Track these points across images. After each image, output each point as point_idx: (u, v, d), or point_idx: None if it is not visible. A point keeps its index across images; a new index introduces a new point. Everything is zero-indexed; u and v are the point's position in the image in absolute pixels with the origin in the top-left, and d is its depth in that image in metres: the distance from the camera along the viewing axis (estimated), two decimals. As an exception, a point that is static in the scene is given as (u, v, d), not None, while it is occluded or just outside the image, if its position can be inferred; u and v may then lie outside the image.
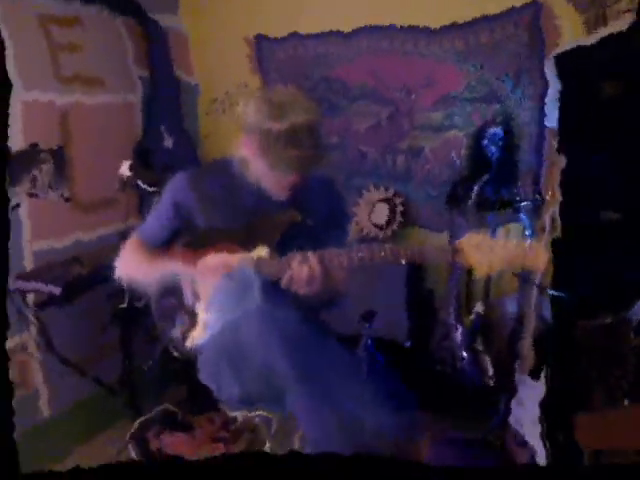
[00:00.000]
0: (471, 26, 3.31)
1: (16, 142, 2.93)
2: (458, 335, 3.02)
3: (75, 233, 3.25)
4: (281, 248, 2.02)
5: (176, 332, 2.09)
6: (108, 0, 3.44)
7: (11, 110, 2.61)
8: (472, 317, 3.03)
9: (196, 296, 2.10)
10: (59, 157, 3.17)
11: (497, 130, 3.21)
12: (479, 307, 3.03)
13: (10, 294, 2.69)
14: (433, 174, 3.52)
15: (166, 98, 3.77)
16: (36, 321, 2.84)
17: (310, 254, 1.89)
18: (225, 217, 2.09)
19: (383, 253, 1.85)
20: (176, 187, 2.14)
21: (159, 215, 2.18)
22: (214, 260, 2.02)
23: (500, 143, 3.20)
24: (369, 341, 2.88)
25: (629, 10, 2.81)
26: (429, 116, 3.49)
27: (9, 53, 2.82)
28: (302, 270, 1.88)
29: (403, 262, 1.84)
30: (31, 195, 3.02)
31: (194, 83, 4.00)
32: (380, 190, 3.57)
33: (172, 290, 2.15)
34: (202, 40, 3.96)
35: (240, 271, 1.96)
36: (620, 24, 2.75)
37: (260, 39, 3.81)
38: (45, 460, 2.65)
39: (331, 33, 3.63)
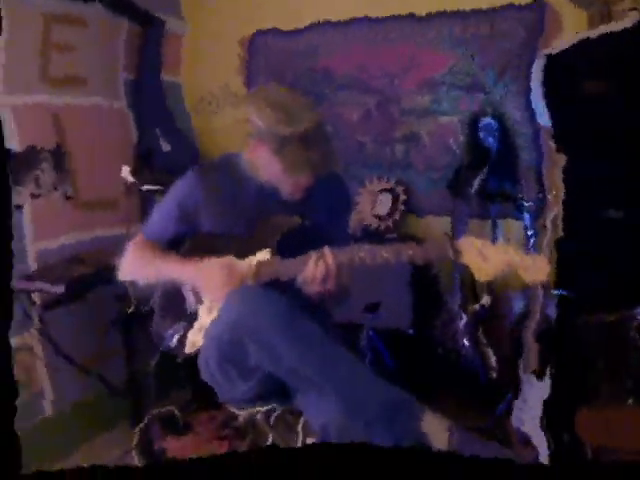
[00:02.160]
0: (474, 15, 3.36)
1: (12, 143, 2.94)
2: (462, 323, 3.02)
3: (77, 232, 3.26)
4: (280, 249, 2.04)
5: (174, 340, 2.08)
6: (111, 2, 3.46)
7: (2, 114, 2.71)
8: (477, 307, 3.03)
9: (198, 299, 2.11)
10: (58, 156, 3.19)
11: (491, 121, 3.24)
12: (485, 299, 3.03)
13: (15, 294, 2.70)
14: (433, 159, 3.54)
15: (153, 100, 3.78)
16: (39, 322, 2.85)
17: (326, 251, 1.91)
18: (229, 216, 2.10)
19: (385, 254, 1.86)
20: (185, 187, 2.15)
21: (164, 216, 2.18)
22: (216, 262, 2.03)
23: (496, 134, 3.22)
24: (371, 332, 2.89)
25: (634, 8, 2.80)
26: (416, 100, 3.53)
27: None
28: (318, 268, 1.90)
29: (405, 261, 1.85)
30: (34, 196, 3.03)
31: (177, 82, 4.03)
32: (382, 181, 3.59)
33: (173, 293, 2.15)
34: (193, 40, 4.01)
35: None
36: (625, 22, 2.72)
37: (254, 36, 3.87)
38: (47, 459, 2.65)
39: (318, 25, 3.70)
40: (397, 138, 3.61)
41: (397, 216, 3.48)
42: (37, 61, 3.14)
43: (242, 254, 2.06)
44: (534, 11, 3.23)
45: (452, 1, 3.41)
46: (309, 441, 1.93)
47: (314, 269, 1.91)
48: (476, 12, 3.36)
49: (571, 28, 3.12)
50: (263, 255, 2.04)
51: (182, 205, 2.13)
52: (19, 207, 2.95)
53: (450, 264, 2.98)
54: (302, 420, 1.97)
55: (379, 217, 3.50)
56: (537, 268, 1.69)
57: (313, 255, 1.92)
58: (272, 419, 1.99)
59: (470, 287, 3.05)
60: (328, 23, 3.68)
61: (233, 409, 2.04)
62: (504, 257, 1.71)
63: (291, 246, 2.02)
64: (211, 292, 2.04)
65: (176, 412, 2.08)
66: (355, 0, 3.64)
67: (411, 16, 3.50)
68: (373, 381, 1.82)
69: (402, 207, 3.50)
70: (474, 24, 3.37)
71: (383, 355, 3.03)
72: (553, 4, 3.18)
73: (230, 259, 2.04)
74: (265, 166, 2.01)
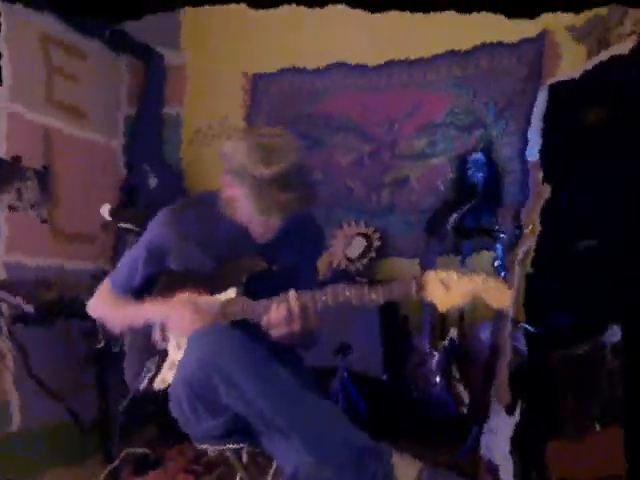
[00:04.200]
0: (471, 53, 3.42)
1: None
2: (433, 362, 3.02)
3: (49, 258, 3.30)
4: (248, 290, 2.05)
5: (145, 382, 2.09)
6: (111, 39, 3.55)
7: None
8: (445, 343, 3.03)
9: (164, 336, 2.12)
10: (44, 177, 3.24)
11: (479, 156, 3.29)
12: (453, 332, 3.04)
13: None
14: (417, 203, 3.57)
15: (149, 134, 3.83)
16: (8, 333, 2.87)
17: (291, 294, 1.90)
18: (197, 255, 2.10)
19: (348, 293, 1.86)
20: (153, 226, 2.16)
21: (133, 262, 2.18)
22: (182, 299, 2.04)
23: (484, 168, 3.26)
24: (345, 374, 2.90)
25: (634, 32, 2.81)
26: (412, 144, 3.57)
27: (5, 64, 2.97)
28: (281, 311, 1.90)
29: (368, 302, 1.85)
30: (11, 208, 3.07)
31: (175, 112, 4.06)
32: (360, 225, 3.64)
33: (142, 332, 2.16)
34: (195, 72, 4.06)
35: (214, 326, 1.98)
36: (622, 47, 2.73)
37: (256, 75, 3.93)
38: (13, 474, 2.68)
39: (324, 68, 3.76)
40: (386, 183, 3.66)
41: (367, 260, 3.54)
42: (43, 80, 3.24)
43: (209, 290, 2.07)
44: (533, 45, 3.27)
45: (450, 41, 3.46)
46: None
47: (277, 312, 1.91)
48: (476, 49, 3.42)
49: (570, 61, 3.16)
50: (229, 294, 2.05)
51: (150, 246, 2.14)
52: None
53: (419, 305, 3.00)
54: (274, 465, 1.97)
55: (350, 259, 3.56)
56: (500, 291, 1.70)
57: (276, 299, 1.92)
58: (244, 458, 2.00)
59: (440, 325, 3.06)
60: (334, 66, 3.74)
61: (202, 446, 2.04)
62: (467, 285, 1.72)
63: (259, 287, 2.03)
64: (179, 328, 2.04)
65: (147, 451, 2.09)
66: (358, 45, 3.71)
67: (412, 60, 3.57)
68: (343, 429, 1.82)
69: (373, 253, 3.55)
70: (474, 60, 3.43)
71: (356, 399, 3.03)
72: (553, 37, 3.23)
73: (195, 296, 2.05)
74: (238, 204, 2.01)
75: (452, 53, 3.47)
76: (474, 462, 2.58)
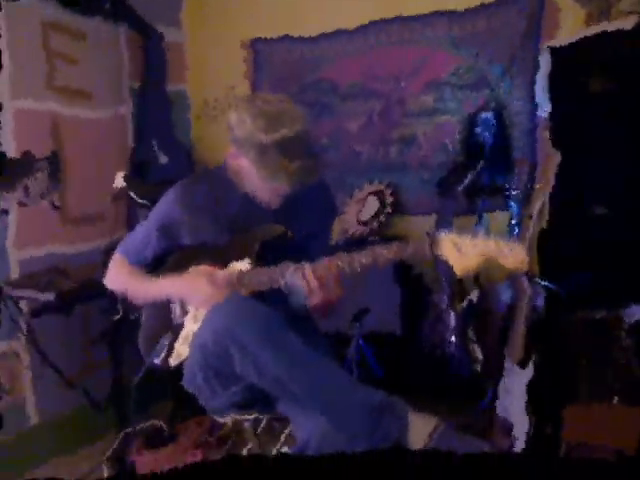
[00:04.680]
0: (468, 13, 3.38)
1: (8, 149, 3.00)
2: (451, 320, 3.02)
3: (61, 244, 3.29)
4: (261, 258, 2.05)
5: (161, 356, 2.09)
6: (112, 11, 3.51)
7: (2, 117, 2.78)
8: (464, 304, 3.03)
9: (184, 311, 2.13)
10: (54, 163, 3.23)
11: (489, 115, 3.25)
12: (473, 294, 3.02)
13: (2, 301, 2.79)
14: (427, 159, 3.55)
15: (156, 109, 3.81)
16: (27, 329, 2.88)
17: (306, 265, 1.90)
18: (210, 228, 2.11)
19: (363, 260, 1.86)
20: (164, 205, 2.17)
21: (145, 236, 2.19)
22: (198, 272, 2.06)
23: (493, 129, 3.22)
24: (361, 340, 2.91)
25: (632, 12, 2.84)
26: (420, 101, 3.54)
27: (4, 59, 2.93)
28: (297, 277, 1.90)
29: (383, 262, 1.85)
30: (21, 204, 3.06)
31: (181, 89, 4.05)
32: (373, 184, 3.61)
33: (159, 306, 2.17)
34: (197, 46, 4.03)
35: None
36: (624, 23, 2.80)
37: (256, 42, 3.89)
38: (25, 467, 2.70)
39: (322, 35, 3.71)
40: (394, 139, 3.63)
41: (382, 218, 3.51)
42: (43, 68, 3.20)
43: (223, 263, 2.08)
44: (532, 3, 3.23)
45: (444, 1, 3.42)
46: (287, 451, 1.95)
47: (313, 278, 1.90)
48: (474, 9, 3.38)
49: (569, 22, 3.14)
50: (244, 265, 2.05)
51: (162, 224, 2.14)
52: (5, 212, 2.99)
53: (431, 263, 2.97)
54: (288, 428, 1.99)
55: (364, 222, 3.53)
56: (515, 256, 1.69)
57: (290, 267, 1.93)
58: (260, 428, 2.01)
59: (457, 284, 3.04)
60: (330, 33, 3.71)
61: (218, 418, 2.06)
62: (481, 249, 1.71)
63: (272, 256, 2.03)
64: (196, 301, 2.06)
65: (162, 424, 2.11)
66: (357, 6, 3.65)
67: (409, 17, 3.53)
68: (357, 391, 1.83)
69: (388, 209, 3.53)
70: (471, 21, 3.39)
71: (371, 363, 3.04)
72: None
73: (211, 268, 2.06)
74: (244, 173, 2.02)
75: (450, 12, 3.44)
76: (489, 421, 2.58)
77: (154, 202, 2.28)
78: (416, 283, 3.32)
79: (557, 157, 2.68)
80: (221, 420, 2.05)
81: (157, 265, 2.20)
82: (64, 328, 3.09)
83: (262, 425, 2.03)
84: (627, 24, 2.77)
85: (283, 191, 2.02)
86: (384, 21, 3.59)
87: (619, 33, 2.79)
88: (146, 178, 3.64)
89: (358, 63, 3.67)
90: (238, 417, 2.02)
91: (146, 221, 2.23)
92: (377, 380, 2.99)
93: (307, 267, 1.91)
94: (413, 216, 3.60)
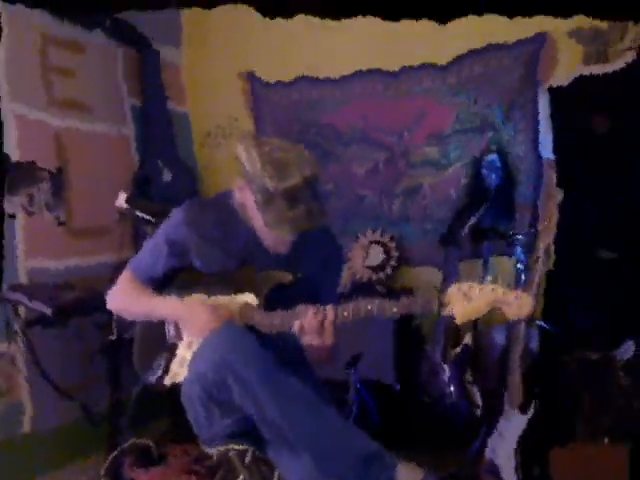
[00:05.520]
0: (465, 59, 3.37)
1: (12, 156, 3.00)
2: (446, 372, 3.00)
3: (70, 257, 3.29)
4: (269, 301, 2.05)
5: (157, 374, 2.10)
6: (111, 28, 3.52)
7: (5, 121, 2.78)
8: (458, 350, 3.01)
9: (178, 334, 2.13)
10: (58, 179, 3.24)
11: (494, 157, 3.25)
12: (467, 338, 3.01)
13: (1, 303, 2.78)
14: (430, 210, 3.55)
15: (159, 129, 3.81)
16: (24, 337, 2.86)
17: (329, 308, 1.91)
18: (219, 259, 2.11)
19: (370, 307, 1.86)
20: (172, 224, 2.17)
21: (154, 252, 2.18)
22: (200, 300, 2.08)
23: (499, 171, 3.23)
24: (358, 385, 2.88)
25: (631, 48, 2.86)
26: (424, 152, 3.54)
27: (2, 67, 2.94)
28: (315, 320, 1.90)
29: (389, 315, 1.86)
30: (27, 212, 3.07)
31: (184, 112, 4.06)
32: (375, 233, 3.61)
33: (154, 325, 2.17)
34: (196, 72, 4.06)
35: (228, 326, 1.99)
36: (620, 62, 2.85)
37: (253, 79, 3.91)
38: (15, 476, 2.68)
39: (322, 80, 3.73)
40: (399, 192, 3.64)
41: (389, 270, 3.52)
42: (41, 81, 3.21)
43: (230, 290, 2.09)
44: (531, 44, 3.22)
45: (434, 51, 3.42)
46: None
47: (311, 320, 1.90)
48: (467, 56, 3.37)
49: (566, 62, 3.14)
50: (250, 298, 2.06)
51: (170, 241, 2.14)
52: (12, 216, 2.99)
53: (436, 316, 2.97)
54: (276, 474, 1.96)
55: (371, 268, 3.53)
56: (520, 304, 1.69)
57: (310, 308, 1.92)
58: (246, 460, 1.97)
59: (453, 334, 3.03)
60: (330, 79, 3.73)
61: (207, 449, 2.04)
62: (488, 297, 1.71)
63: (277, 298, 2.04)
64: (194, 330, 2.05)
65: (151, 444, 2.10)
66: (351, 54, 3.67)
67: (400, 70, 3.55)
68: (349, 438, 1.84)
69: (393, 262, 3.53)
70: (467, 69, 3.39)
71: (369, 407, 3.01)
72: (551, 37, 3.18)
73: (217, 299, 2.07)
74: (250, 209, 2.02)
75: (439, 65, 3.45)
76: (477, 463, 2.58)
77: (159, 217, 2.31)
78: (411, 332, 3.31)
79: (559, 196, 2.68)
80: (209, 451, 2.03)
81: (163, 284, 2.19)
82: (61, 341, 3.08)
83: (248, 457, 2.01)
84: (626, 60, 2.83)
85: (288, 239, 2.02)
86: (381, 72, 3.60)
87: (618, 71, 2.82)
88: (150, 194, 3.63)
89: (359, 111, 3.69)
90: (226, 446, 1.99)
91: (154, 238, 2.22)
92: (374, 424, 2.96)
93: (330, 310, 1.91)
94: (419, 266, 3.60)
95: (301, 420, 1.82)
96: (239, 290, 2.09)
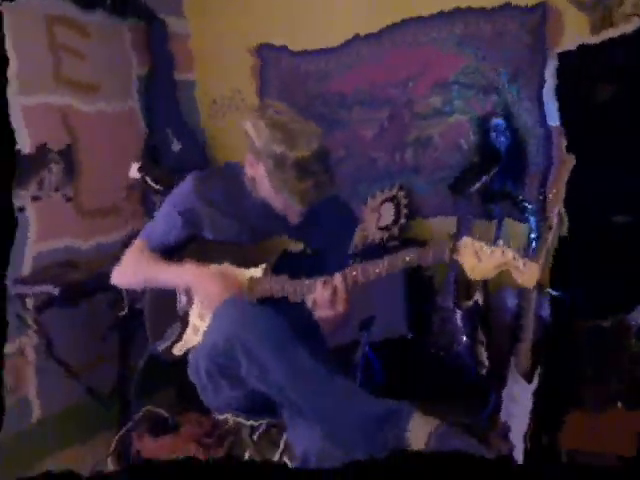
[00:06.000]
0: (471, 13, 3.34)
1: (24, 146, 3.00)
2: (458, 319, 3.00)
3: (76, 238, 3.29)
4: (278, 268, 2.05)
5: (165, 343, 2.11)
6: (114, 6, 3.50)
7: (13, 114, 2.73)
8: (470, 303, 3.01)
9: (190, 301, 2.13)
10: (68, 156, 3.23)
11: (500, 121, 3.22)
12: (478, 296, 3.00)
13: (9, 298, 2.72)
14: (442, 159, 3.53)
15: (166, 96, 3.80)
16: (35, 324, 2.84)
17: (336, 276, 1.90)
18: (231, 227, 2.11)
19: (378, 270, 1.86)
20: (182, 193, 2.16)
21: (168, 220, 2.18)
22: (212, 271, 2.06)
23: (507, 133, 3.20)
24: (367, 348, 2.87)
25: (634, 14, 2.83)
26: (428, 103, 3.52)
27: (11, 55, 2.82)
28: (326, 292, 1.89)
29: (402, 267, 1.86)
30: (35, 198, 3.06)
31: (190, 80, 4.04)
32: (384, 191, 3.59)
33: (165, 293, 2.17)
34: (203, 42, 4.03)
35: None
36: (626, 27, 2.78)
37: (262, 48, 3.88)
38: (26, 461, 2.71)
39: (326, 49, 3.71)
40: (409, 142, 3.61)
41: (402, 221, 3.49)
42: (49, 60, 3.19)
43: (241, 263, 2.08)
44: (535, 13, 3.19)
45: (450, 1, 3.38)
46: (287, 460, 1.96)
47: (322, 292, 1.90)
48: (475, 11, 3.33)
49: (573, 30, 3.11)
50: (257, 272, 2.05)
51: (181, 211, 2.13)
52: (22, 210, 2.99)
53: (446, 266, 2.95)
54: (285, 437, 1.99)
55: (385, 228, 3.50)
56: (528, 273, 1.68)
57: (320, 279, 1.92)
58: (256, 435, 2.02)
59: (464, 284, 3.02)
60: (333, 47, 3.70)
61: (219, 416, 2.06)
62: (498, 260, 1.70)
63: (288, 268, 2.03)
64: (206, 298, 2.05)
65: (165, 414, 2.11)
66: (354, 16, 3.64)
67: (411, 20, 3.49)
68: (358, 403, 1.84)
69: (405, 211, 3.50)
70: (474, 24, 3.35)
71: (375, 369, 3.02)
72: (556, 6, 3.15)
73: (227, 268, 2.07)
74: (259, 182, 2.02)
75: (453, 12, 3.39)
76: (491, 426, 2.59)
77: (169, 188, 2.28)
78: (423, 284, 3.29)
79: (571, 161, 2.65)
80: (221, 417, 2.05)
81: (174, 253, 2.19)
82: (71, 321, 3.08)
83: (258, 432, 2.03)
84: (629, 28, 2.76)
85: (298, 210, 2.02)
86: (393, 25, 3.55)
87: (621, 38, 2.76)
88: (160, 164, 3.63)
89: (365, 72, 3.66)
90: (234, 419, 2.03)
91: (164, 208, 2.21)
92: (380, 387, 2.96)
93: (337, 278, 1.90)
94: (432, 217, 3.58)
95: (308, 386, 1.83)
96: (251, 263, 2.08)
